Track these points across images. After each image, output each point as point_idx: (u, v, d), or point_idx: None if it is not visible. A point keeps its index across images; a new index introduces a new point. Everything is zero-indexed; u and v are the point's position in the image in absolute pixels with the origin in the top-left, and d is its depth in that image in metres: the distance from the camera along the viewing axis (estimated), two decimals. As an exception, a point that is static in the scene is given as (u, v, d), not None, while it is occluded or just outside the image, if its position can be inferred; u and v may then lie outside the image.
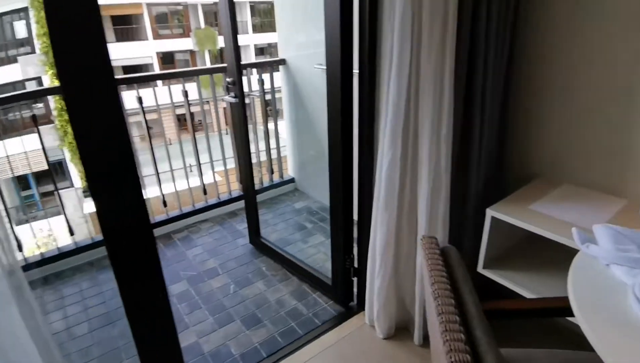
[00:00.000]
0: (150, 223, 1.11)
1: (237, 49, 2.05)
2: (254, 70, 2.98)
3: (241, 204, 2.80)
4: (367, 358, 1.68)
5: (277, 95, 3.11)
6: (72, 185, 10.78)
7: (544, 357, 1.07)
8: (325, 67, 1.61)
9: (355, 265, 1.89)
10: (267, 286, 2.16)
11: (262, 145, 3.11)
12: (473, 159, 1.48)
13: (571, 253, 1.05)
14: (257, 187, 3.17)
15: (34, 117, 2.58)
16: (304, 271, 2.17)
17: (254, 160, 3.12)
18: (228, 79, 2.12)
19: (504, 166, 1.65)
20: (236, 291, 2.14)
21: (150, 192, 2.94)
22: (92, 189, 1.01)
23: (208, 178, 2.96)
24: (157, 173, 2.65)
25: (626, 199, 1.38)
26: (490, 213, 1.39)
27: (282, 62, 3.03)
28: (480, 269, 1.50)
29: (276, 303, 2.03)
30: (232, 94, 2.14)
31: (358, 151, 1.66)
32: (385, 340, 1.74)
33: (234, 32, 1.98)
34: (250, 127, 2.89)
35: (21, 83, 10.93)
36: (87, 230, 7.00)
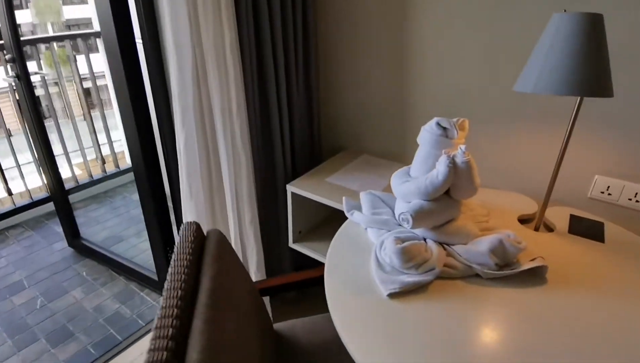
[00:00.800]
0: None
1: (11, 15, 1.69)
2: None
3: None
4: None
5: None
6: None
7: (305, 324, 1.12)
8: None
9: (179, 255, 1.77)
10: (86, 293, 1.90)
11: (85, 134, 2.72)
12: (276, 134, 1.47)
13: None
14: (86, 180, 2.80)
15: None
16: (131, 270, 1.97)
17: (76, 150, 2.73)
18: (6, 56, 1.75)
19: (314, 140, 1.69)
20: (44, 305, 1.84)
21: None
22: None
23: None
24: None
25: (406, 164, 1.53)
26: (289, 188, 1.39)
27: (98, 35, 2.63)
28: (291, 244, 1.52)
29: (94, 310, 1.80)
30: (13, 74, 1.77)
31: (159, 133, 1.51)
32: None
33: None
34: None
35: None
36: None
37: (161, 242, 1.70)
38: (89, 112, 2.65)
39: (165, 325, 0.64)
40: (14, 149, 2.39)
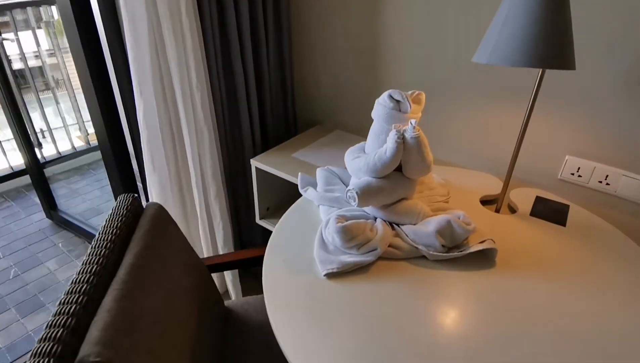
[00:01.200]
0: None
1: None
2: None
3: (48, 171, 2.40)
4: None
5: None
6: None
7: (257, 300, 1.10)
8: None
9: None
10: (60, 265, 1.90)
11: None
12: (243, 107, 1.41)
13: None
14: (69, 152, 2.77)
15: None
16: (105, 243, 1.96)
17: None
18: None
19: (288, 115, 1.63)
20: (17, 275, 1.84)
21: None
22: None
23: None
24: None
25: None
26: (253, 163, 1.35)
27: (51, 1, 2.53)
28: (258, 220, 1.49)
29: (67, 281, 1.80)
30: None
31: (122, 104, 1.46)
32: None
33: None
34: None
35: None
36: None
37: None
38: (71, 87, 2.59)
39: (70, 301, 0.61)
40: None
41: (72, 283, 0.64)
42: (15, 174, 2.47)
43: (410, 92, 0.89)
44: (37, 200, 2.38)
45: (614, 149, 1.04)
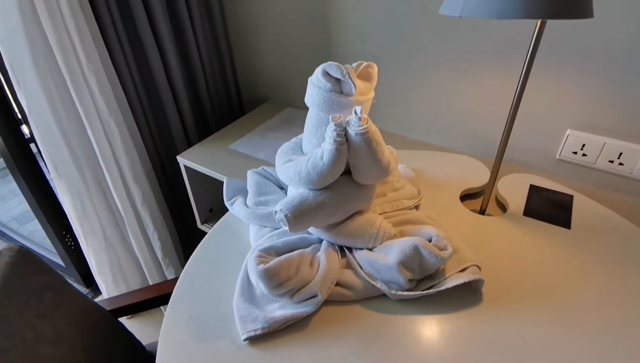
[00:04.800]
0: None
1: None
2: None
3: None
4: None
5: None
6: None
7: None
8: None
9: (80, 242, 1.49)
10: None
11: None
12: (164, 92, 1.13)
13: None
14: None
15: None
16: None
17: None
18: None
19: (230, 94, 1.35)
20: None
21: None
22: None
23: None
24: None
25: None
26: (181, 161, 1.09)
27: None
28: (199, 225, 1.24)
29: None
30: None
31: (16, 106, 1.16)
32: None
33: None
34: None
35: None
36: None
37: (55, 229, 1.41)
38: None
39: None
40: None
41: None
42: None
43: (354, 64, 0.62)
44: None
45: (629, 121, 0.80)
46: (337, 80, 0.60)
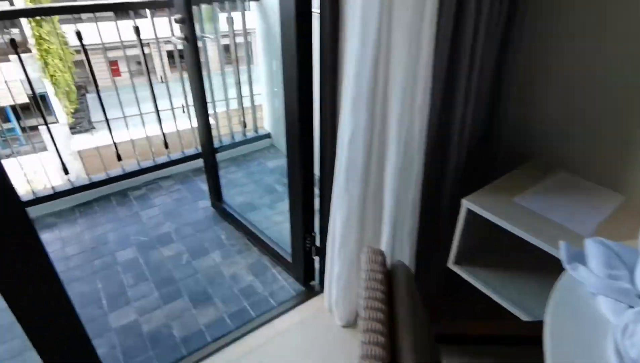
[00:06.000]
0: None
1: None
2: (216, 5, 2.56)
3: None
4: (321, 347, 1.52)
5: (250, 40, 2.73)
6: (57, 121, 10.36)
7: None
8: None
9: (317, 243, 1.67)
10: (224, 258, 1.96)
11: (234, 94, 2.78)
12: (454, 134, 1.20)
13: (557, 261, 0.83)
14: (228, 142, 2.90)
15: (12, 42, 2.00)
16: (264, 244, 1.96)
17: (222, 110, 2.83)
18: (176, 17, 1.76)
19: (493, 145, 1.37)
20: (189, 262, 1.93)
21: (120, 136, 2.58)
22: None
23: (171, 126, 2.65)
24: (129, 116, 2.35)
25: (624, 195, 1.14)
26: (466, 204, 1.14)
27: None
28: (450, 264, 1.28)
29: (231, 278, 1.84)
30: (182, 34, 1.79)
31: (320, 114, 1.36)
32: (344, 329, 1.57)
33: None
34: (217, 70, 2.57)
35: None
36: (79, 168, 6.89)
37: (301, 227, 1.61)
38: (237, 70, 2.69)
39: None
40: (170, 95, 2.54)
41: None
42: (186, 158, 2.66)
43: None
44: (202, 186, 2.53)
45: None
46: None
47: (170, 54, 3.43)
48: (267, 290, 1.77)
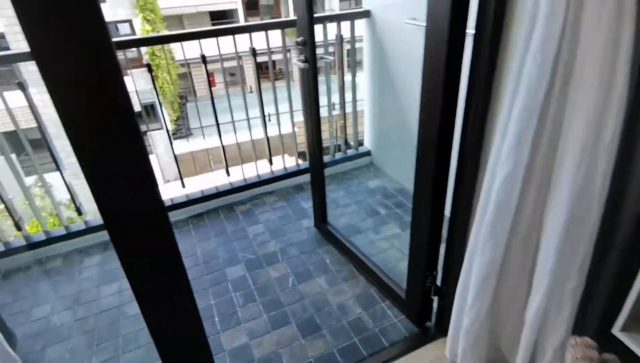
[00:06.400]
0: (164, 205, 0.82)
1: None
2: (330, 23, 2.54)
3: (308, 177, 2.51)
4: (443, 403, 1.36)
5: (356, 53, 2.67)
6: (162, 127, 11.47)
7: None
8: (420, 24, 1.16)
9: (438, 283, 1.52)
10: (330, 285, 1.89)
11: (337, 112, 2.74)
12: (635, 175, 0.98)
13: None
14: (328, 159, 2.86)
15: (149, 67, 2.29)
16: (373, 273, 1.85)
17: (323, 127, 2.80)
18: (298, 39, 1.75)
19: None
20: (295, 285, 1.90)
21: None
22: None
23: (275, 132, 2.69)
24: (234, 124, 2.44)
25: None
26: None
27: (366, 14, 2.54)
28: (616, 331, 1.05)
29: (338, 308, 1.76)
30: (302, 57, 1.77)
31: (460, 148, 1.22)
32: (469, 384, 1.39)
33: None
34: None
35: (112, 25, 11.44)
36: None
37: (424, 265, 1.47)
38: (342, 81, 2.64)
39: None
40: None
41: None
42: (289, 175, 2.68)
43: None
44: (303, 204, 2.51)
45: None
46: None
47: (259, 66, 3.56)
48: (378, 326, 1.66)
